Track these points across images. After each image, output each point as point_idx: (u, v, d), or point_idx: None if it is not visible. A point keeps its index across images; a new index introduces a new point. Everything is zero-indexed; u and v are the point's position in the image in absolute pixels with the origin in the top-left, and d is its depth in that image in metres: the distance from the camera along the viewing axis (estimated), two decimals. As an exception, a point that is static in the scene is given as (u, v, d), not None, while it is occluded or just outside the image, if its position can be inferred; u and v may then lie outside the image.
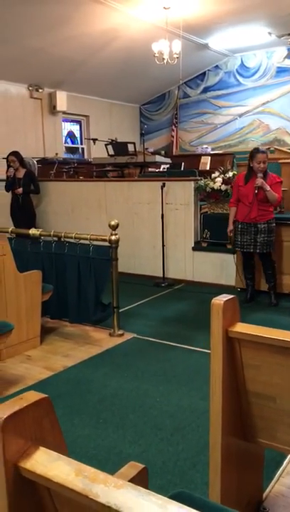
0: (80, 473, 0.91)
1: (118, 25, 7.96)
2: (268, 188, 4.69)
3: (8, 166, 6.72)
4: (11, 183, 6.71)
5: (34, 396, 1.00)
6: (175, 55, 7.91)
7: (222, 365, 1.70)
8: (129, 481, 1.28)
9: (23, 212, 6.73)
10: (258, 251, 4.90)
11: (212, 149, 9.99)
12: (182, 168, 8.05)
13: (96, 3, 7.14)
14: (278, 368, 1.70)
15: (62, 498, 0.97)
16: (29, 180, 6.72)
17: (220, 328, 1.69)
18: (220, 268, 5.68)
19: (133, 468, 1.34)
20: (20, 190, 6.61)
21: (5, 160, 7.78)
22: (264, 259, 5.03)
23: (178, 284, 5.90)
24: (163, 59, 7.99)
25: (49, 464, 0.94)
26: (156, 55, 7.93)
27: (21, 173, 6.70)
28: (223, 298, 1.70)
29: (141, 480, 1.32)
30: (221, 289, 5.53)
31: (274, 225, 4.92)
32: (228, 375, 1.75)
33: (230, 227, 5.02)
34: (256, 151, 4.80)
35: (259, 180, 4.68)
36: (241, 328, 1.71)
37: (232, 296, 1.73)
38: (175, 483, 2.26)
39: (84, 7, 7.18)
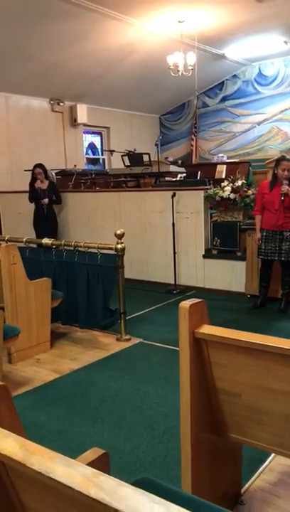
0: (23, 447, 1.07)
1: (134, 39, 8.20)
2: None
3: (35, 178, 7.02)
4: (34, 195, 7.00)
5: (-9, 383, 1.18)
6: (189, 67, 8.09)
7: (190, 364, 1.85)
8: (89, 463, 1.45)
9: (48, 222, 7.01)
10: (283, 259, 4.92)
11: (231, 157, 10.10)
12: (198, 177, 8.18)
13: (112, 19, 7.40)
14: (242, 366, 1.83)
15: (13, 470, 1.14)
16: (52, 191, 7.01)
17: (187, 329, 1.83)
18: (230, 275, 5.78)
19: (94, 453, 1.50)
20: (46, 200, 6.91)
21: (28, 172, 8.12)
22: (285, 267, 5.06)
23: (190, 291, 6.02)
24: (178, 71, 8.18)
25: (-1, 440, 1.11)
26: (171, 67, 8.13)
27: (45, 184, 6.99)
28: (190, 302, 1.85)
29: (100, 463, 1.47)
30: (231, 296, 5.67)
31: None
32: (197, 374, 1.90)
33: (258, 235, 5.01)
34: (282, 158, 4.90)
35: (285, 187, 4.75)
36: (206, 329, 1.85)
37: (199, 300, 1.88)
38: (160, 477, 2.39)
39: (101, 23, 7.44)
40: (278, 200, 4.80)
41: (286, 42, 9.21)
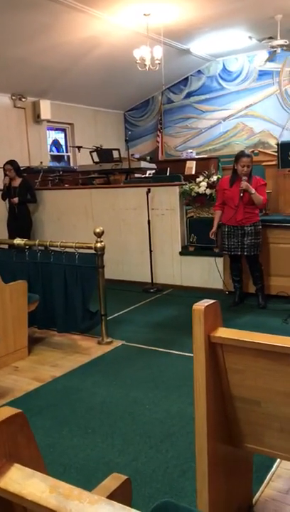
0: (55, 490, 0.89)
1: (99, 32, 7.97)
2: (253, 191, 4.72)
3: (5, 175, 6.71)
4: (6, 192, 6.69)
5: (7, 412, 0.98)
6: (156, 61, 7.95)
7: (205, 370, 1.69)
8: (112, 493, 1.27)
9: (19, 222, 6.68)
10: (245, 253, 4.93)
11: (198, 154, 10.03)
12: (167, 174, 8.05)
13: (76, 12, 7.14)
14: (262, 371, 1.69)
15: (39, 516, 0.95)
16: (25, 190, 6.69)
17: (202, 333, 1.68)
18: (208, 272, 5.68)
19: (115, 479, 1.32)
20: (15, 199, 6.58)
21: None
22: (251, 262, 5.05)
23: (167, 290, 5.88)
24: (145, 65, 8.02)
25: (23, 482, 0.92)
26: (138, 61, 7.96)
27: (17, 182, 6.67)
28: (204, 303, 1.69)
29: (123, 491, 1.30)
30: (209, 293, 5.53)
31: (261, 227, 4.96)
32: (212, 381, 1.74)
33: (213, 229, 5.07)
34: (241, 154, 4.84)
35: (244, 184, 4.71)
36: (223, 332, 1.70)
37: (213, 301, 1.72)
38: (164, 491, 2.24)
39: (65, 16, 7.18)
40: (237, 196, 4.77)
41: (250, 37, 9.18)
